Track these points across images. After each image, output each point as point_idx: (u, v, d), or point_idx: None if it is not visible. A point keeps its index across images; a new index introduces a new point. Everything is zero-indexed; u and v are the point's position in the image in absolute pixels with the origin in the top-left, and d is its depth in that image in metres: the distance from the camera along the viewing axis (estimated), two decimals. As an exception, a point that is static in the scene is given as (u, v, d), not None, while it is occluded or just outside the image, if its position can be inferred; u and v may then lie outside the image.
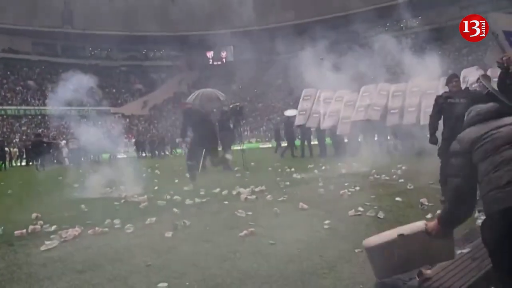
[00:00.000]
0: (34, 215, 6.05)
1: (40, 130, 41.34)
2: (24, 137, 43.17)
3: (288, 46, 16.49)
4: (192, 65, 65.05)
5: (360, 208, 5.43)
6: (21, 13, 51.17)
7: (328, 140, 18.53)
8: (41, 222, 5.62)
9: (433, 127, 6.08)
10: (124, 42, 58.68)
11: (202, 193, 7.72)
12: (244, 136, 28.58)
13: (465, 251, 3.53)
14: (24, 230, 5.14)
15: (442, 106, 5.98)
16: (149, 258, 3.86)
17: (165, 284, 3.11)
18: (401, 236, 2.65)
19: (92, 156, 19.87)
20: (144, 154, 31.68)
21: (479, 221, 3.04)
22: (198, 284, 3.18)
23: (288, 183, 8.85)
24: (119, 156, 21.19)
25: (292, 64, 15.82)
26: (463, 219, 2.60)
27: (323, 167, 11.54)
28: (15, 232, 5.07)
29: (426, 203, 5.47)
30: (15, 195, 9.84)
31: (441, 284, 2.86)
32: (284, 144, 22.22)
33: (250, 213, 5.64)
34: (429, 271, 3.00)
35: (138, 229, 5.07)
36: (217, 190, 7.94)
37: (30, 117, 48.42)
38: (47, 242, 4.51)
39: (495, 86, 4.93)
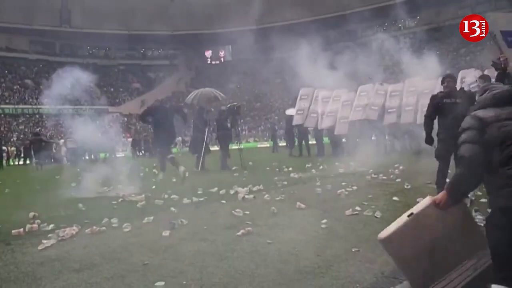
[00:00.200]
0: (31, 214, 6.04)
1: (38, 129, 41.30)
2: (21, 136, 43.11)
3: (286, 45, 16.46)
4: (190, 64, 65.03)
5: (358, 208, 5.45)
6: (18, 12, 51.07)
7: (325, 139, 18.56)
8: (39, 221, 5.61)
9: (428, 127, 6.09)
10: (122, 41, 58.57)
11: (199, 192, 7.72)
12: (242, 136, 28.58)
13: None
14: (22, 229, 5.13)
15: (437, 106, 5.99)
16: (147, 257, 3.86)
17: (162, 283, 3.11)
18: (411, 215, 2.63)
19: (90, 155, 19.84)
20: (139, 153, 31.57)
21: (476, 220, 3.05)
22: (195, 283, 3.18)
23: (285, 182, 8.87)
24: (117, 155, 21.17)
25: (290, 63, 15.81)
26: (470, 189, 2.64)
27: (321, 167, 11.57)
28: (13, 231, 5.06)
29: (423, 203, 5.47)
30: (13, 194, 9.83)
31: (438, 283, 2.87)
32: (282, 143, 22.22)
33: (247, 212, 5.64)
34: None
35: (135, 228, 5.07)
36: (215, 189, 7.95)
37: (27, 116, 48.37)
38: (44, 241, 4.51)
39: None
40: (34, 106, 47.68)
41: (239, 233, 4.47)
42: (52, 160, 23.79)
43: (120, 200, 7.45)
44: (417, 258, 2.62)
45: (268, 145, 32.31)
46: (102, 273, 3.50)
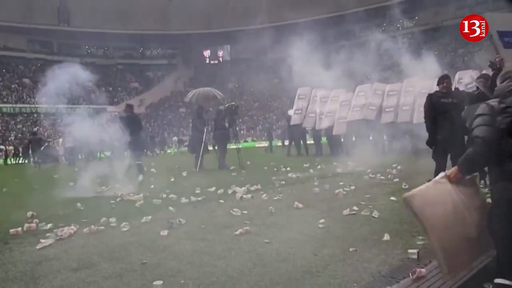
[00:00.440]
0: (29, 213, 6.04)
1: (36, 128, 41.25)
2: (19, 135, 43.04)
3: (285, 45, 16.45)
4: (188, 64, 64.98)
5: (355, 208, 5.46)
6: (16, 10, 50.94)
7: (323, 139, 18.58)
8: (37, 220, 5.61)
9: (431, 128, 6.02)
10: (121, 40, 58.54)
11: (197, 191, 7.74)
12: (240, 135, 28.58)
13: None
14: (20, 228, 5.14)
15: (435, 106, 6.01)
16: (145, 256, 3.87)
17: (160, 282, 3.12)
18: (429, 180, 2.91)
19: (88, 155, 19.81)
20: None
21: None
22: (193, 282, 3.19)
23: (283, 182, 8.88)
24: (116, 155, 21.11)
25: (288, 63, 15.84)
26: (481, 166, 2.69)
27: (319, 167, 11.59)
28: (11, 230, 5.07)
29: (421, 203, 5.49)
30: (11, 193, 9.82)
31: (434, 282, 2.89)
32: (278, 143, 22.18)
33: (245, 212, 5.66)
34: (423, 270, 3.04)
35: (133, 228, 5.08)
36: (213, 189, 7.97)
37: (25, 115, 48.25)
38: (42, 240, 4.51)
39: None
40: (32, 105, 47.57)
41: (237, 233, 4.48)
42: (51, 159, 23.78)
43: (118, 199, 7.46)
44: (438, 217, 2.71)
45: (266, 144, 32.26)
46: (100, 272, 3.51)
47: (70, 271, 3.59)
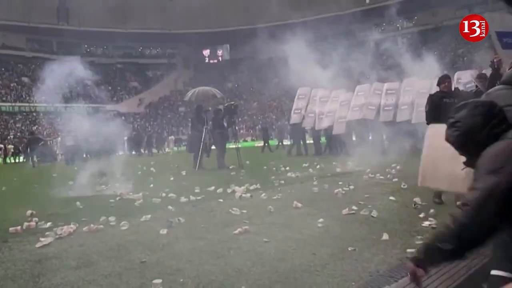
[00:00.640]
0: (29, 211, 6.04)
1: (35, 127, 41.23)
2: (18, 134, 43.01)
3: (284, 45, 16.47)
4: (188, 63, 64.96)
5: (354, 207, 5.47)
6: (15, 9, 50.89)
7: (322, 139, 18.60)
8: (36, 219, 5.62)
9: None
10: (120, 39, 58.47)
11: (197, 191, 7.75)
12: (240, 135, 28.59)
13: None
14: (19, 227, 5.14)
15: (436, 106, 6.00)
16: (144, 255, 3.88)
17: (160, 281, 3.13)
18: None
19: (86, 153, 19.82)
20: (136, 152, 31.41)
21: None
22: (192, 280, 3.20)
23: (282, 181, 8.90)
24: (115, 154, 21.13)
25: (288, 63, 15.86)
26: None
27: (318, 166, 11.60)
28: (10, 228, 5.07)
29: (420, 203, 5.51)
30: (10, 191, 9.83)
31: (431, 282, 2.91)
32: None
33: (244, 211, 5.67)
34: (421, 270, 3.05)
35: (133, 226, 5.08)
36: (212, 188, 7.98)
37: (24, 113, 48.21)
38: (42, 239, 4.52)
39: None
40: (31, 104, 47.52)
41: (236, 232, 4.49)
42: (49, 158, 23.79)
43: (117, 198, 7.47)
44: (438, 145, 2.70)
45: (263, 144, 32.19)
46: (99, 271, 3.52)
47: (70, 269, 3.59)
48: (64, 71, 9.47)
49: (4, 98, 48.46)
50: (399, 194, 6.50)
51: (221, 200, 6.74)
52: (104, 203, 7.03)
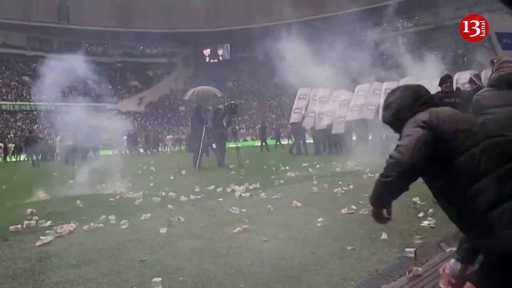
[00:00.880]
0: (29, 210, 6.06)
1: (36, 126, 41.24)
2: (18, 132, 43.03)
3: (285, 44, 16.46)
4: (188, 63, 64.93)
5: (353, 207, 5.48)
6: (16, 8, 50.87)
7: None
8: (36, 217, 5.64)
9: None
10: (121, 38, 58.47)
11: (196, 190, 7.76)
12: (239, 134, 28.56)
13: (455, 249, 3.59)
14: (19, 225, 5.16)
15: (437, 106, 6.02)
16: (144, 254, 3.90)
17: (159, 279, 3.14)
18: None
19: (85, 153, 19.82)
20: (136, 151, 31.31)
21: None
22: (191, 279, 3.22)
23: (282, 181, 8.90)
24: (114, 153, 21.18)
25: (288, 62, 15.87)
26: None
27: (318, 166, 11.61)
28: (10, 227, 5.09)
29: (419, 202, 5.52)
30: (10, 190, 9.84)
31: (430, 281, 2.92)
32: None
33: (244, 210, 5.68)
34: (419, 268, 3.07)
35: (133, 225, 5.10)
36: (212, 187, 8.00)
37: (25, 112, 48.23)
38: (42, 237, 4.53)
39: None
40: (31, 103, 47.51)
41: (235, 231, 4.51)
42: (48, 157, 23.86)
43: (117, 197, 7.49)
44: None
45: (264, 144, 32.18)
46: (99, 269, 3.54)
47: (70, 268, 3.61)
48: (64, 70, 9.49)
49: (4, 97, 48.48)
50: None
51: (220, 199, 6.75)
52: (104, 202, 7.04)
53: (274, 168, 11.91)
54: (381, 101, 15.42)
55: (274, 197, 6.78)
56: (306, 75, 15.79)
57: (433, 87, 6.67)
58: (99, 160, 12.87)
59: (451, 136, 1.86)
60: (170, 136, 42.12)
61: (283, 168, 11.59)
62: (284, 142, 31.63)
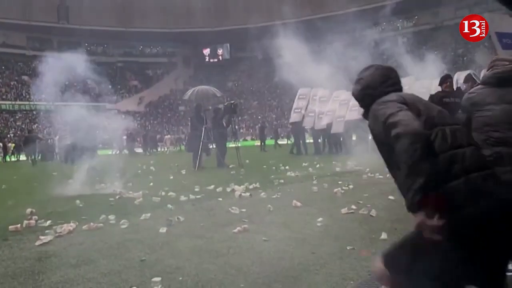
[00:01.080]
0: (28, 210, 6.05)
1: (35, 126, 41.23)
2: (18, 132, 43.04)
3: (285, 44, 16.47)
4: (188, 62, 64.94)
5: (353, 206, 5.48)
6: (16, 8, 50.87)
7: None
8: (36, 217, 5.64)
9: None
10: (120, 38, 58.46)
11: (196, 189, 7.76)
12: (239, 134, 28.56)
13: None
14: (19, 225, 5.15)
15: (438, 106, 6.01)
16: (143, 253, 3.90)
17: (159, 279, 3.14)
18: None
19: (85, 152, 19.82)
20: (135, 151, 31.20)
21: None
22: (191, 279, 3.22)
23: (282, 181, 8.90)
24: (114, 152, 21.21)
25: (288, 62, 15.88)
26: None
27: (317, 166, 11.61)
28: (10, 226, 5.08)
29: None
30: (10, 190, 9.83)
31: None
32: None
33: (244, 210, 5.68)
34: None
35: (132, 225, 5.10)
36: (212, 187, 7.99)
37: (24, 112, 48.23)
38: (42, 237, 4.53)
39: None
40: (31, 102, 47.52)
41: (235, 231, 4.51)
42: (49, 157, 23.87)
43: (117, 197, 7.48)
44: None
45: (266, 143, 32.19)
46: (99, 269, 3.54)
47: (69, 267, 3.61)
48: (64, 70, 9.48)
49: (4, 97, 48.50)
50: (398, 194, 6.47)
51: (220, 199, 6.75)
52: (104, 201, 7.04)
53: (274, 168, 11.91)
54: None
55: (274, 197, 6.78)
56: (306, 75, 15.79)
57: (433, 87, 6.68)
58: (99, 159, 12.86)
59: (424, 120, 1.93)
60: (169, 136, 42.12)
61: (283, 168, 11.59)
62: (284, 142, 31.62)
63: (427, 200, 1.72)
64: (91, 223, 5.07)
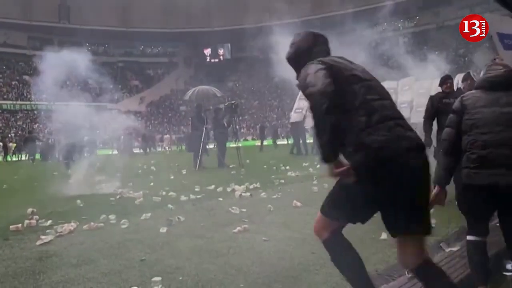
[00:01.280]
0: (29, 209, 6.07)
1: (36, 125, 41.26)
2: (19, 132, 43.08)
3: (285, 44, 16.43)
4: (189, 62, 64.96)
5: (353, 206, 5.47)
6: (17, 7, 50.92)
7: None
8: (37, 216, 5.65)
9: (428, 128, 6.07)
10: (121, 38, 58.50)
11: (196, 189, 7.77)
12: (240, 134, 28.55)
13: (454, 249, 3.60)
14: (20, 225, 5.17)
15: (437, 107, 6.01)
16: (144, 253, 3.90)
17: (159, 278, 3.15)
18: None
19: (84, 152, 19.83)
20: (135, 150, 31.12)
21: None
22: (191, 279, 3.22)
23: (282, 180, 8.90)
24: (114, 152, 21.23)
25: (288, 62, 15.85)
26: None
27: (318, 165, 11.59)
28: (11, 226, 5.10)
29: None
30: (11, 189, 9.84)
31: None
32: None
33: (244, 210, 5.69)
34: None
35: (133, 225, 5.10)
36: (212, 186, 8.00)
37: (25, 111, 48.26)
38: (42, 237, 4.54)
39: None
40: (32, 102, 47.55)
41: (235, 231, 4.51)
42: (50, 157, 23.88)
43: (118, 196, 7.50)
44: None
45: (266, 143, 32.24)
46: (99, 269, 3.54)
47: (70, 267, 3.61)
48: (65, 68, 9.49)
49: (5, 96, 48.54)
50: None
51: (221, 199, 6.75)
52: (105, 201, 7.05)
53: (274, 167, 11.92)
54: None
55: (274, 197, 6.78)
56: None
57: (434, 87, 6.66)
58: (99, 159, 12.87)
59: (345, 76, 2.20)
60: (168, 136, 42.13)
61: (283, 167, 11.59)
62: (283, 142, 31.55)
63: (336, 152, 2.12)
64: (92, 223, 5.08)
